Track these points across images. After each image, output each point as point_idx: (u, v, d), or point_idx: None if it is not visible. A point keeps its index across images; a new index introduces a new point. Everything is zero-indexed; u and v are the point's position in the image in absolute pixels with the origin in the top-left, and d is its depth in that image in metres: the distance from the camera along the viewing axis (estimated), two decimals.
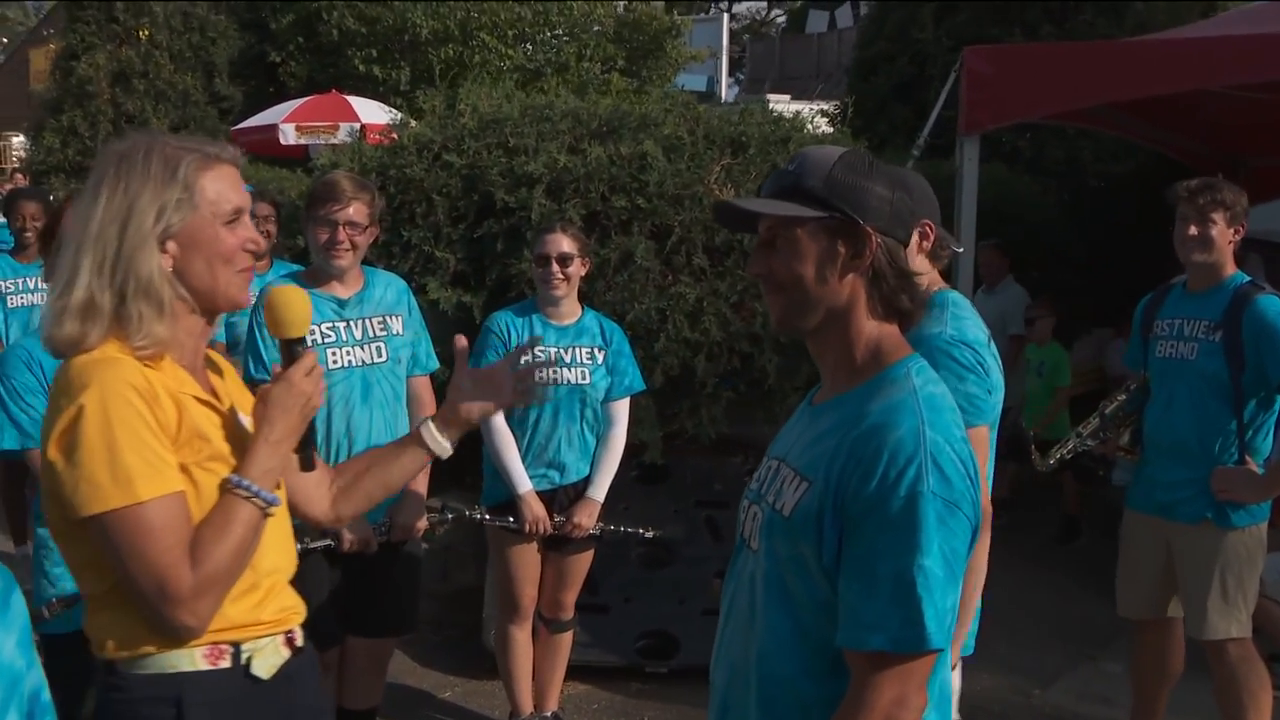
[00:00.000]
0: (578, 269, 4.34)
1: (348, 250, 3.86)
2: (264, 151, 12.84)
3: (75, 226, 2.05)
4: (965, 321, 2.93)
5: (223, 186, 2.08)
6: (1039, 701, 5.07)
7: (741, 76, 32.83)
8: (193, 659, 2.02)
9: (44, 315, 2.05)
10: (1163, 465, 4.15)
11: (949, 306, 2.94)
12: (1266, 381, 3.93)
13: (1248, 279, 4.07)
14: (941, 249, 3.04)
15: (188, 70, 16.11)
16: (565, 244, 4.29)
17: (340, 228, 3.83)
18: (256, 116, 13.16)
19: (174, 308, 2.04)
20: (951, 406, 1.91)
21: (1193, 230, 4.04)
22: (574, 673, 4.84)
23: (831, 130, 9.14)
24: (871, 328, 1.96)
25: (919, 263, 2.89)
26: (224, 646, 2.05)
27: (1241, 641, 4.06)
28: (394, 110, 11.89)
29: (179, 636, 1.99)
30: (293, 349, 2.18)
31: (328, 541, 3.76)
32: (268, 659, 2.11)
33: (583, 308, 4.48)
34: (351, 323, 3.95)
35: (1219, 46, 5.53)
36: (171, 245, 2.03)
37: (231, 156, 2.13)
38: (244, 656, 2.08)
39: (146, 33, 15.82)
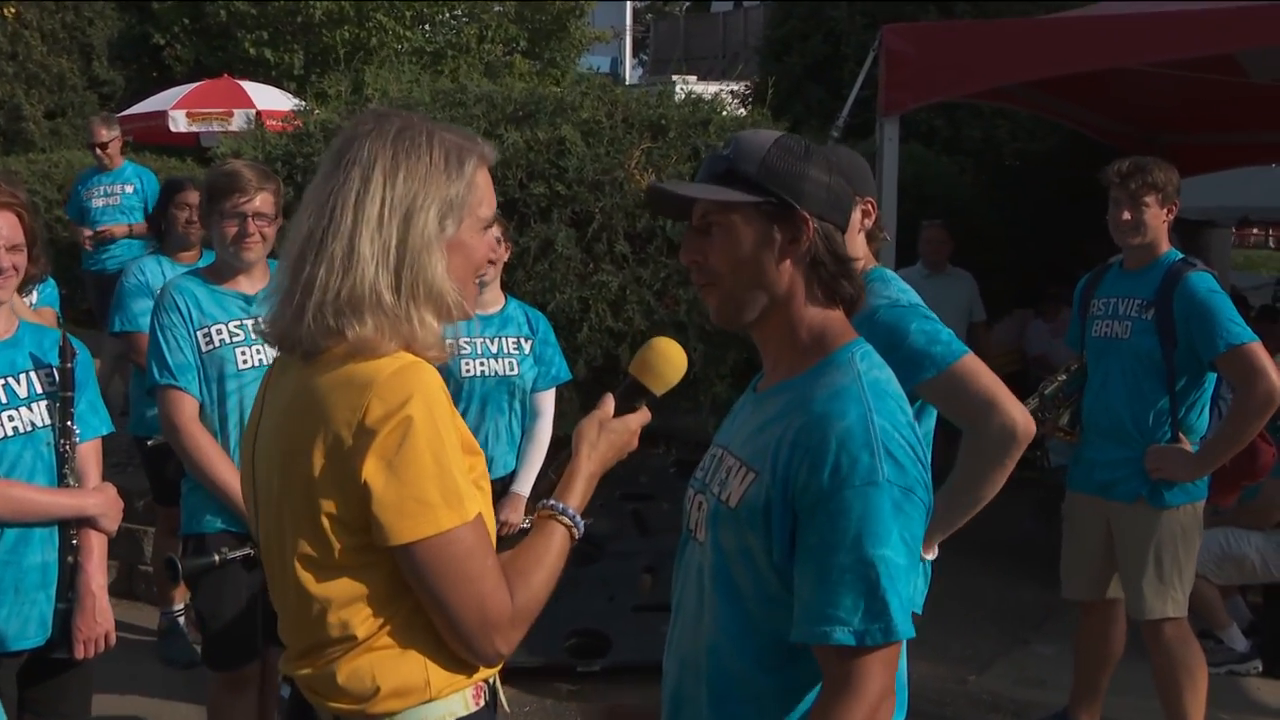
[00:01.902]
0: (500, 254, 4.33)
1: (258, 242, 3.78)
2: (152, 140, 12.56)
3: (333, 204, 1.84)
4: (910, 292, 2.99)
5: (488, 189, 1.95)
6: (975, 687, 5.16)
7: (645, 57, 32.90)
8: (465, 701, 1.91)
9: (288, 304, 1.86)
10: (1100, 445, 4.25)
11: (889, 279, 2.99)
12: (1198, 358, 4.03)
13: (1180, 256, 4.17)
14: (880, 230, 3.09)
15: (62, 52, 15.66)
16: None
17: (249, 219, 3.74)
18: (144, 102, 12.84)
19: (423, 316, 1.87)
20: (897, 393, 1.93)
21: (1126, 215, 4.13)
22: (501, 675, 4.80)
23: (746, 112, 9.20)
24: (814, 313, 1.97)
25: (859, 242, 2.94)
26: (481, 684, 1.96)
27: (1177, 621, 4.17)
28: (292, 96, 11.72)
29: (489, 664, 1.90)
30: (642, 396, 2.14)
31: (247, 550, 3.70)
32: (500, 689, 2.07)
33: (506, 296, 4.47)
34: (260, 320, 3.87)
35: (1139, 23, 5.66)
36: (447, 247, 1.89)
37: (493, 156, 1.99)
38: (490, 691, 2.01)
39: (13, 10, 15.33)
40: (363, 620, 1.83)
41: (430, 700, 1.87)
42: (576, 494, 2.02)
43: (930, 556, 3.03)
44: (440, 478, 1.76)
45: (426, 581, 1.78)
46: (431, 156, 1.86)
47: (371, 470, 1.74)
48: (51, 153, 14.15)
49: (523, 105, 5.59)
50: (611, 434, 2.08)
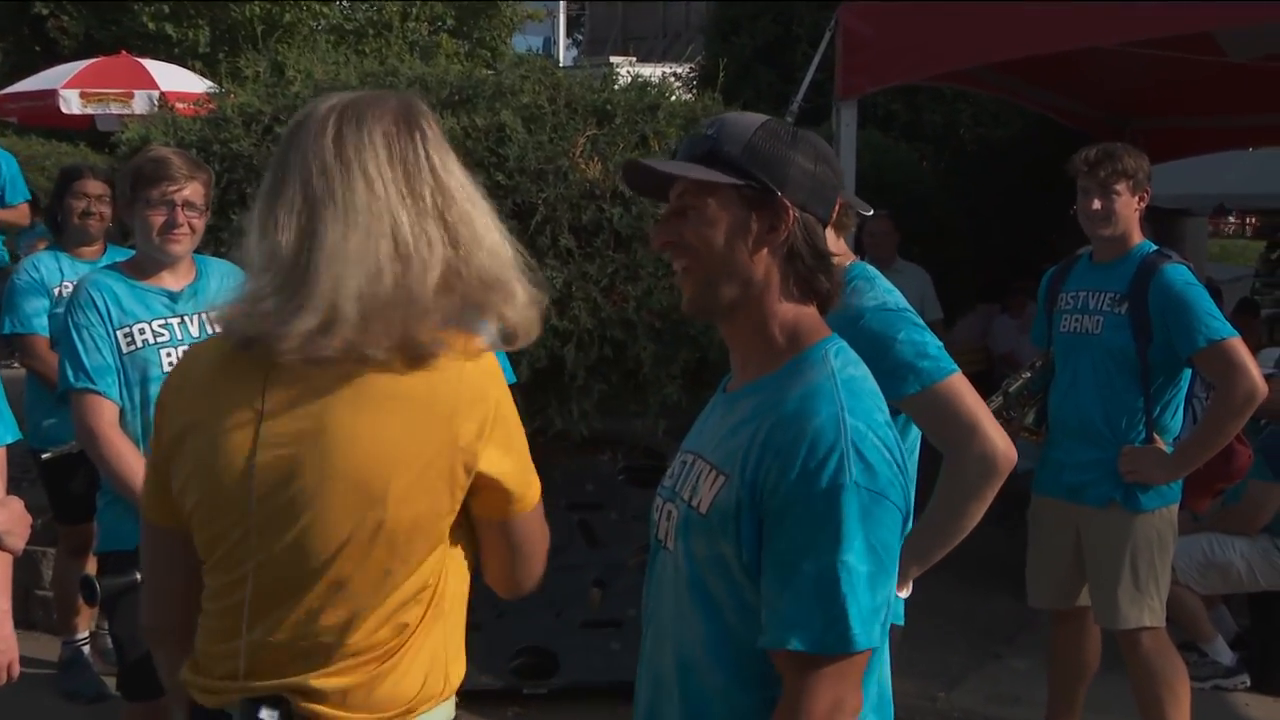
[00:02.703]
0: None
1: (186, 235, 3.80)
2: (39, 121, 12.45)
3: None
4: (896, 294, 3.08)
5: None
6: (945, 705, 5.28)
7: (580, 37, 32.97)
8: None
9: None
10: (1069, 446, 4.37)
11: (875, 279, 3.08)
12: (1174, 355, 4.16)
13: (1154, 248, 4.29)
14: (846, 217, 3.18)
15: None
16: None
17: (178, 209, 3.75)
18: (28, 80, 12.68)
19: None
20: (873, 391, 1.99)
21: (1096, 204, 4.26)
22: None
23: (694, 97, 9.29)
24: (788, 309, 2.02)
25: (831, 237, 3.04)
26: None
27: (1155, 631, 4.29)
28: (201, 77, 11.66)
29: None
30: None
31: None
32: None
33: None
34: (186, 318, 3.86)
35: (1109, 2, 5.77)
36: None
37: None
38: None
39: None
40: (414, 619, 1.99)
41: (448, 698, 2.08)
42: None
43: (904, 594, 3.06)
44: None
45: (533, 539, 2.11)
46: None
47: (494, 454, 1.96)
48: None
49: (459, 89, 5.64)
50: None
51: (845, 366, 1.99)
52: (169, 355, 3.77)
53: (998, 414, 4.54)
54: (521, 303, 1.99)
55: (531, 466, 2.05)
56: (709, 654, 1.98)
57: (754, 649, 1.92)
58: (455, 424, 1.92)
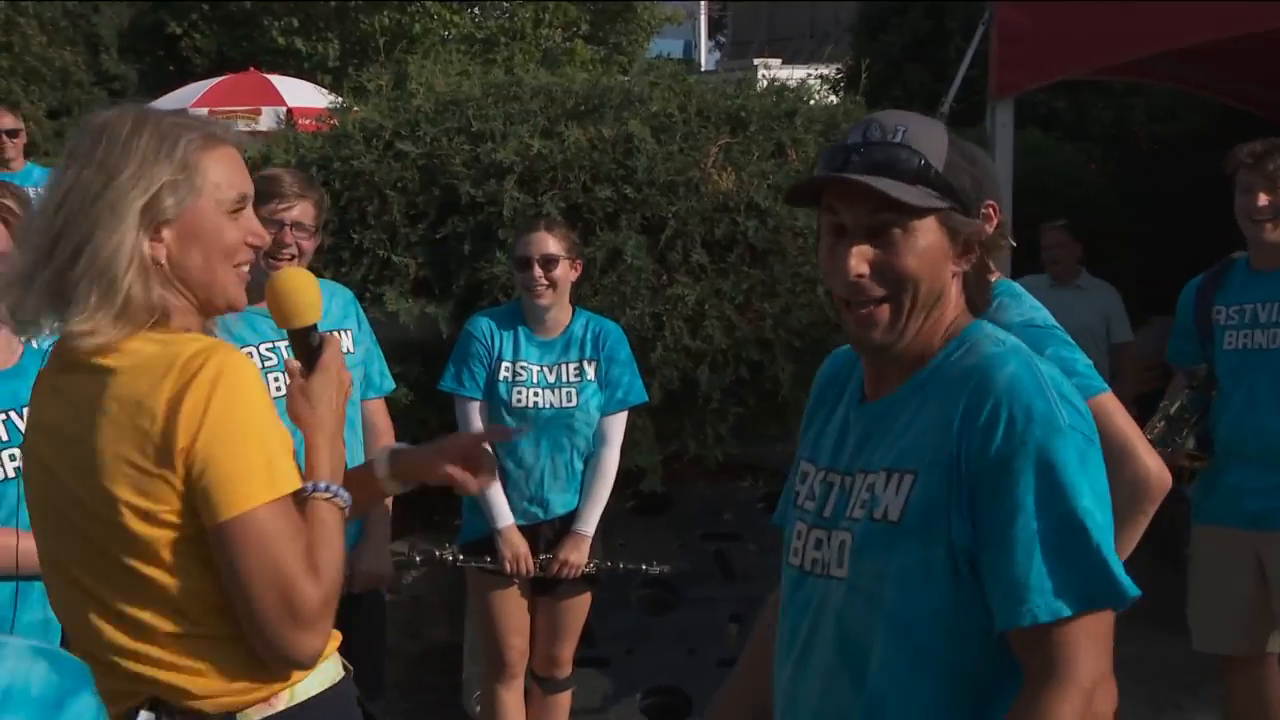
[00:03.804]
0: (566, 272, 4.42)
1: (294, 256, 3.89)
2: None
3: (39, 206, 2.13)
4: (1042, 311, 3.03)
5: (227, 170, 2.15)
6: None
7: (723, 39, 32.99)
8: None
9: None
10: (1248, 471, 4.24)
11: (1020, 296, 3.03)
12: None
13: None
14: (1001, 237, 3.11)
15: (65, 43, 15.86)
16: (550, 244, 4.37)
17: (286, 229, 3.85)
18: (162, 99, 13.12)
19: (167, 304, 2.08)
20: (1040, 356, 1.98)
21: (1262, 200, 4.13)
22: None
23: (837, 100, 9.24)
24: (954, 321, 2.01)
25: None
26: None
27: None
28: (326, 91, 11.93)
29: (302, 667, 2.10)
30: (309, 337, 2.27)
31: None
32: None
33: (574, 311, 4.57)
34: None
35: None
36: (167, 233, 2.08)
37: (235, 138, 2.21)
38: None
39: None
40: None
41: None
42: (322, 464, 2.15)
43: None
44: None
45: (247, 560, 1.98)
46: (139, 144, 2.06)
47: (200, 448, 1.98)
48: (55, 157, 14.46)
49: (585, 99, 5.69)
50: (320, 391, 2.21)
51: (1007, 336, 1.97)
52: (275, 380, 3.83)
53: (1162, 440, 4.44)
54: None
55: (247, 473, 1.99)
56: (903, 688, 1.90)
57: (958, 672, 1.87)
58: (141, 413, 1.97)
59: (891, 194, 1.91)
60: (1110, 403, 2.87)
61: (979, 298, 2.02)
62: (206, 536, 1.99)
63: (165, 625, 2.02)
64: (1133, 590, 1.79)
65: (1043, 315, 3.02)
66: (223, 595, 2.00)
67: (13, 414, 3.05)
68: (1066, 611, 1.77)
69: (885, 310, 1.95)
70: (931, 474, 1.86)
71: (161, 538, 1.99)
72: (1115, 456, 2.78)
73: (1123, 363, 7.24)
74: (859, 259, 1.93)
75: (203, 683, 2.04)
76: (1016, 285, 3.14)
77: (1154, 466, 2.84)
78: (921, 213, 1.92)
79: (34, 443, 2.13)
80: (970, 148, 2.03)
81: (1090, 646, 1.79)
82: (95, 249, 2.02)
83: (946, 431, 1.86)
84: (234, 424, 1.98)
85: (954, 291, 1.98)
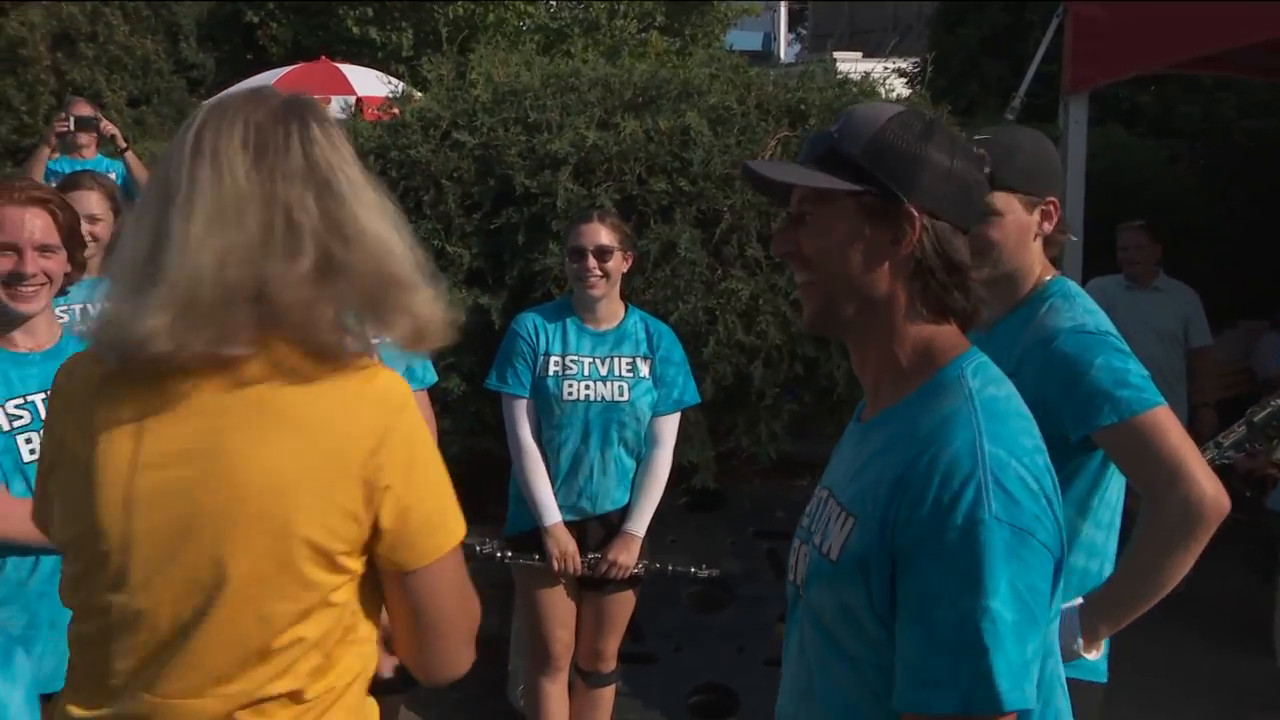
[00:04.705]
0: (618, 264, 4.44)
1: None
2: None
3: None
4: (1098, 315, 2.88)
5: None
6: None
7: (803, 32, 32.84)
8: None
9: None
10: None
11: (1074, 297, 2.89)
12: None
13: None
14: (1062, 231, 3.01)
15: (147, 33, 16.08)
16: (604, 235, 4.40)
17: None
18: (235, 88, 13.35)
19: None
20: (1019, 412, 1.89)
21: None
22: None
23: (908, 93, 9.18)
24: (918, 329, 1.93)
25: (1034, 249, 2.87)
26: None
27: None
28: (395, 80, 12.02)
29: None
30: None
31: None
32: None
33: (627, 308, 4.59)
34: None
35: None
36: None
37: None
38: None
39: None
40: (326, 667, 1.92)
41: None
42: None
43: (1093, 656, 2.87)
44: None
45: (441, 604, 1.95)
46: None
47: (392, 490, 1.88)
48: (135, 144, 14.69)
49: (642, 90, 5.70)
50: None
51: (985, 386, 1.88)
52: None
53: (1237, 446, 4.35)
54: (424, 298, 1.93)
55: (446, 509, 1.95)
56: (847, 715, 1.89)
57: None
58: (351, 452, 1.86)
59: (763, 173, 2.00)
60: (1165, 419, 2.72)
61: (949, 300, 1.92)
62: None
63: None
64: (1014, 704, 1.72)
65: (1095, 319, 2.87)
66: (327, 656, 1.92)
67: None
68: (942, 709, 1.73)
69: (807, 295, 1.98)
70: (868, 526, 1.83)
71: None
72: (1166, 476, 2.67)
73: (1201, 367, 7.13)
74: (778, 241, 2.01)
75: None
76: (1072, 285, 2.98)
77: (1210, 490, 2.67)
78: (819, 194, 1.92)
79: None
80: (947, 133, 1.94)
81: None
82: (386, 247, 1.96)
83: (885, 491, 1.82)
84: (435, 457, 1.96)
85: (898, 292, 1.92)
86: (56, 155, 7.57)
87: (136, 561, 1.85)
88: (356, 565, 1.90)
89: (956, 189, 1.91)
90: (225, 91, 2.04)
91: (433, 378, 4.35)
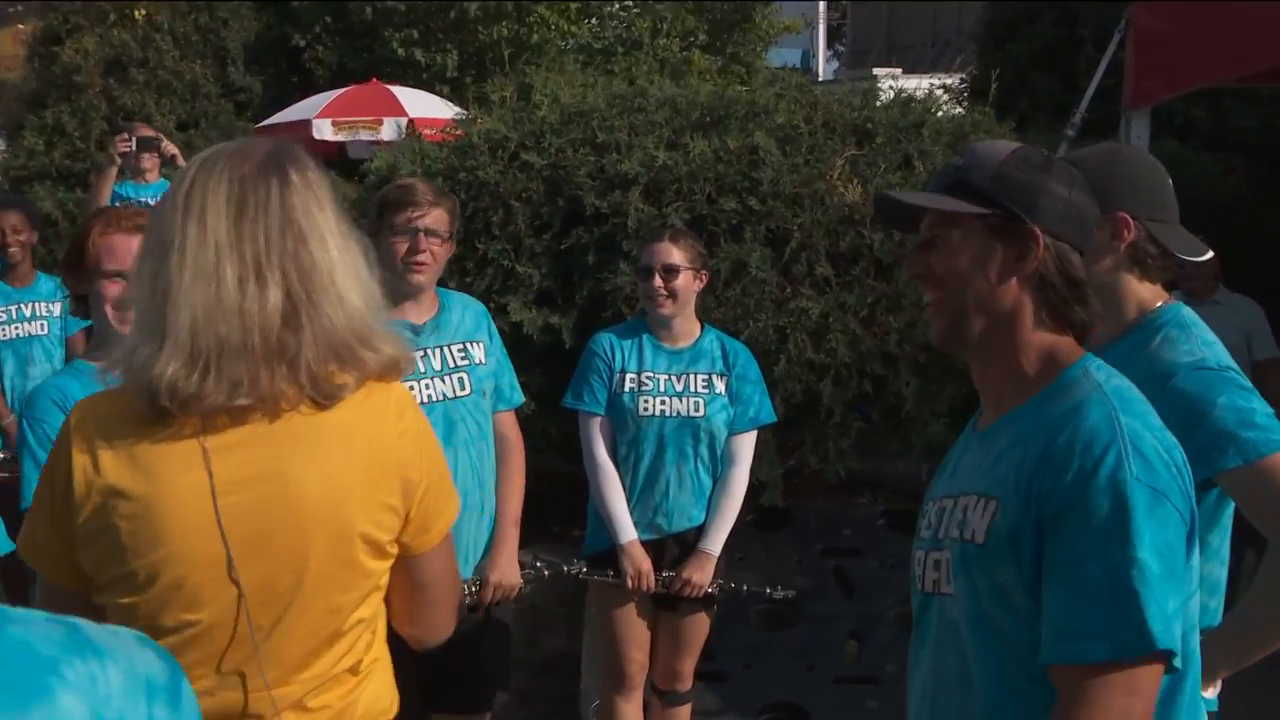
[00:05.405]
0: (689, 282, 4.47)
1: (429, 263, 3.92)
2: None
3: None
4: (1216, 346, 2.78)
5: None
6: None
7: (841, 48, 32.93)
8: None
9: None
10: None
11: (1190, 327, 2.78)
12: None
13: None
14: (1150, 256, 2.80)
15: (195, 57, 16.21)
16: (674, 254, 4.42)
17: (421, 236, 3.89)
18: (287, 111, 13.43)
19: None
20: (1142, 399, 2.03)
21: None
22: None
23: (961, 110, 9.16)
24: (1041, 337, 2.10)
25: (1105, 264, 2.77)
26: None
27: None
28: (445, 101, 12.12)
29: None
30: None
31: None
32: None
33: (703, 326, 4.62)
34: (429, 351, 3.98)
35: None
36: None
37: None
38: None
39: (143, 12, 15.78)
40: (373, 639, 2.23)
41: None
42: None
43: (1210, 694, 2.78)
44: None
45: (439, 581, 2.27)
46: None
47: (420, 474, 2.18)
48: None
49: (710, 110, 5.74)
50: None
51: (1110, 379, 2.05)
52: (413, 389, 3.86)
53: None
54: (388, 339, 2.16)
55: (447, 494, 2.26)
56: (1008, 695, 2.00)
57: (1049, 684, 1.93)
58: (388, 453, 2.13)
59: (901, 200, 2.23)
60: None
61: (1070, 312, 2.09)
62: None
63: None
64: (1165, 643, 1.84)
65: (1215, 354, 2.75)
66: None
67: None
68: (1092, 658, 1.85)
69: (937, 312, 2.15)
70: (1011, 505, 1.97)
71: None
72: None
73: (1268, 380, 7.07)
74: (910, 263, 2.20)
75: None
76: (1187, 313, 2.84)
77: None
78: (950, 218, 2.11)
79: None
80: (1065, 167, 2.13)
81: (1108, 696, 1.85)
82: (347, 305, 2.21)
83: (1028, 468, 1.96)
84: (438, 451, 2.28)
85: (1024, 305, 2.09)
86: (122, 178, 7.64)
87: (218, 579, 2.04)
88: (395, 550, 2.17)
89: (1073, 214, 2.11)
90: (223, 145, 2.20)
91: (520, 399, 4.34)
